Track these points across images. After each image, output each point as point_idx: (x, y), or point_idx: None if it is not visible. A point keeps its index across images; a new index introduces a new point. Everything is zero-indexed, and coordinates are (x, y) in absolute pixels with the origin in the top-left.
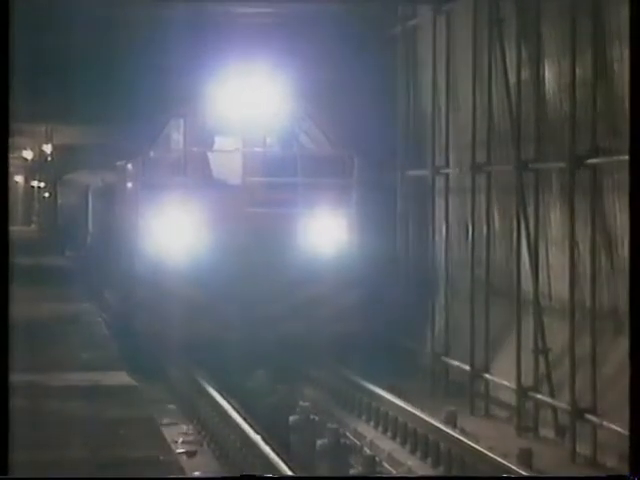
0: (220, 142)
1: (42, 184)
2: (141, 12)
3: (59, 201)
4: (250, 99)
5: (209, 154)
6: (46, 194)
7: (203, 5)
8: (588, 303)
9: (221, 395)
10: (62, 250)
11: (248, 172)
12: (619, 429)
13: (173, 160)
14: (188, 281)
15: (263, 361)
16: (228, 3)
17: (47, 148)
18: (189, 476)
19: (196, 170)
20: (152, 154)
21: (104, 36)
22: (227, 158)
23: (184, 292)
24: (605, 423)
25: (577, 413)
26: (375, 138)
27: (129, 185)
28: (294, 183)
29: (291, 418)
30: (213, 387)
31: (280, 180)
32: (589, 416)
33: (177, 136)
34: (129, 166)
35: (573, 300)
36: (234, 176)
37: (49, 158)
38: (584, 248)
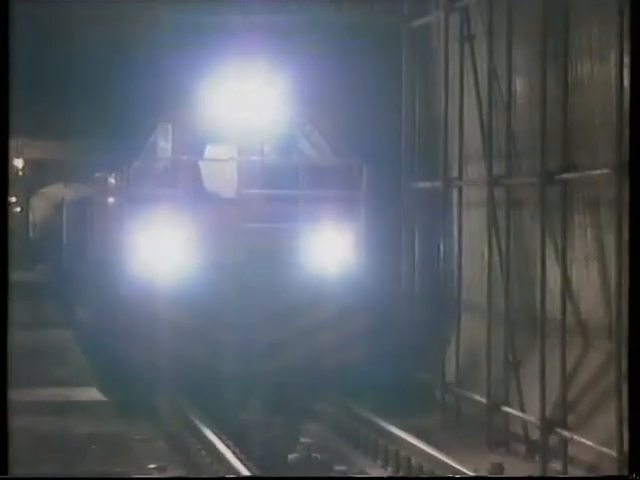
0: (212, 150)
1: (13, 198)
2: (124, 12)
3: (31, 216)
4: (246, 103)
5: (200, 163)
6: (17, 209)
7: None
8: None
9: (212, 431)
10: (33, 265)
11: (244, 183)
12: (589, 442)
13: (160, 170)
14: (177, 304)
15: (260, 393)
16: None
17: (18, 162)
18: (189, 476)
19: (186, 181)
20: (137, 164)
21: (81, 41)
22: (220, 168)
23: (173, 316)
24: (576, 437)
25: (547, 427)
26: (386, 146)
27: (111, 198)
28: (295, 195)
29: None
30: (204, 423)
31: (279, 192)
32: (559, 430)
33: (165, 144)
34: (111, 178)
35: (544, 315)
36: (228, 188)
37: (20, 173)
38: (555, 262)
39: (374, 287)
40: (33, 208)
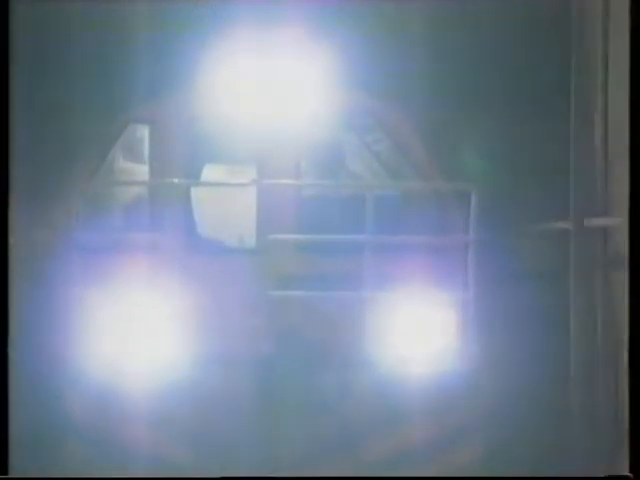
0: (216, 170)
1: None
2: None
3: None
4: (272, 92)
5: (195, 191)
6: None
7: None
8: None
9: None
10: None
11: (268, 225)
12: None
13: (129, 201)
14: (163, 427)
15: None
16: None
17: None
18: (190, 476)
19: (173, 220)
20: (91, 191)
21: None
22: (230, 199)
23: (156, 449)
24: None
25: None
26: (510, 163)
27: (44, 251)
28: (356, 244)
29: None
30: None
31: (329, 238)
32: None
33: (130, 163)
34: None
35: None
36: (242, 232)
37: None
38: None
39: (494, 396)
40: None
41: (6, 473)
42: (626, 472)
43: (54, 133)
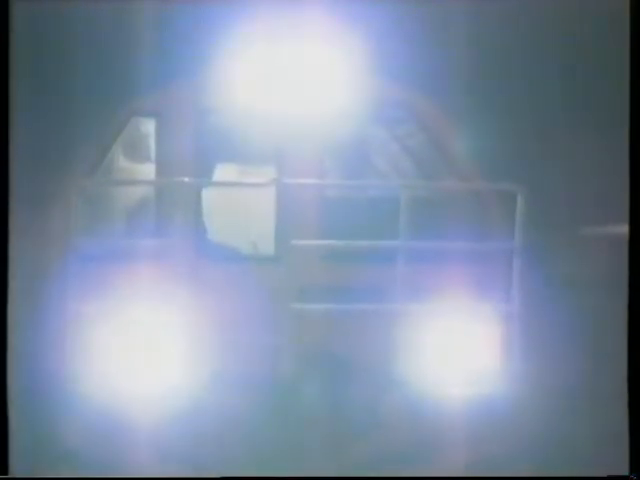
0: (229, 169)
1: None
2: None
3: None
4: (292, 83)
5: (205, 192)
6: None
7: None
8: None
9: None
10: None
11: (289, 229)
12: None
13: (133, 203)
14: (176, 449)
15: None
16: None
17: None
18: (190, 476)
19: (182, 225)
20: (91, 192)
21: None
22: (245, 201)
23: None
24: None
25: None
26: (557, 162)
27: (40, 256)
28: (387, 251)
29: None
30: None
31: (356, 245)
32: None
33: (140, 157)
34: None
35: None
36: (260, 237)
37: None
38: None
39: (542, 420)
40: None
41: (6, 473)
42: (626, 472)
43: (53, 129)
